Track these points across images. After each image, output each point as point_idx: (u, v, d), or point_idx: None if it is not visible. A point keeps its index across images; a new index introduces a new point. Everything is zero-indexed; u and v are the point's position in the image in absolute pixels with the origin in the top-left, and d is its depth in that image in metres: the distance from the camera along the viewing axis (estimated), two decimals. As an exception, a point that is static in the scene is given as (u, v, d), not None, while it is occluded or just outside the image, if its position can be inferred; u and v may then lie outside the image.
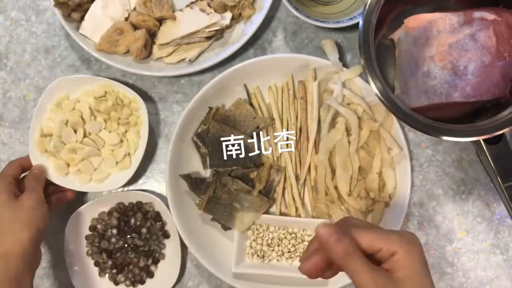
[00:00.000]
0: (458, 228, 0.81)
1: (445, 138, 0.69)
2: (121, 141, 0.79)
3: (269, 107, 0.80)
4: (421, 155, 0.81)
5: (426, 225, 0.81)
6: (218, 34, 0.80)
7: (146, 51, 0.79)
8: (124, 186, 0.80)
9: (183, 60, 0.79)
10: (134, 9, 0.80)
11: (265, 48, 0.83)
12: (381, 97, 0.69)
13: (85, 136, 0.78)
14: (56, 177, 0.77)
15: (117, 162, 0.79)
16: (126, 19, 0.79)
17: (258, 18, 0.78)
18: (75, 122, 0.77)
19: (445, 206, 0.81)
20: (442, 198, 0.81)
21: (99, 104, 0.78)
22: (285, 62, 0.78)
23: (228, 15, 0.79)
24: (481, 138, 0.69)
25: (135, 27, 0.79)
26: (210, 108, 0.78)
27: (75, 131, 0.78)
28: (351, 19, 0.75)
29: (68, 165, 0.78)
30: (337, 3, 0.81)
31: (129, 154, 0.79)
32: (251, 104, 0.80)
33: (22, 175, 0.75)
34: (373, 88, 0.69)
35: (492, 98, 0.69)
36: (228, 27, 0.80)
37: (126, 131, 0.79)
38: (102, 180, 0.79)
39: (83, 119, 0.78)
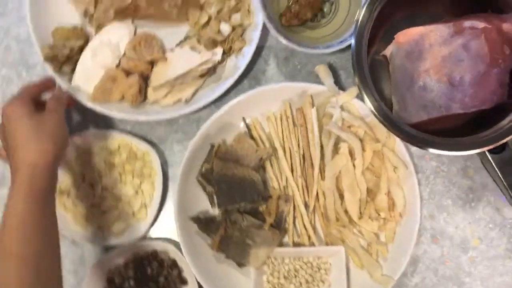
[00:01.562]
0: (471, 237, 0.80)
1: (447, 153, 0.69)
2: (137, 192, 0.80)
3: (270, 137, 0.79)
4: (426, 167, 0.81)
5: (439, 238, 0.80)
6: (211, 71, 0.80)
7: (141, 96, 0.78)
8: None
9: (179, 100, 0.79)
10: (124, 54, 0.79)
11: (258, 77, 0.83)
12: (379, 116, 0.69)
13: (102, 190, 0.79)
14: (76, 232, 0.78)
15: (133, 213, 0.80)
16: (117, 65, 0.79)
17: (249, 51, 0.78)
18: (92, 178, 0.79)
19: (456, 216, 0.81)
20: (452, 209, 0.81)
21: (113, 157, 0.79)
22: (281, 91, 0.78)
23: (219, 51, 0.79)
24: (484, 149, 0.68)
25: (128, 73, 0.78)
26: (212, 146, 0.78)
27: (92, 186, 0.79)
28: (341, 42, 0.75)
29: (87, 219, 0.79)
30: (325, 26, 0.80)
31: (145, 205, 0.80)
32: (252, 137, 0.80)
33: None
34: (368, 107, 0.68)
35: (491, 106, 0.69)
36: (220, 62, 0.80)
37: (141, 183, 0.80)
38: (121, 233, 0.79)
39: (99, 174, 0.79)
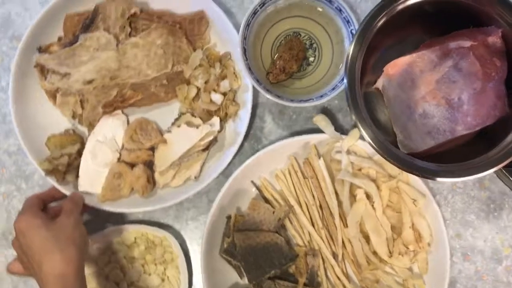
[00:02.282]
0: (501, 246, 0.80)
1: (460, 179, 0.68)
2: (163, 280, 0.78)
3: (283, 194, 0.78)
4: (442, 188, 0.81)
5: (470, 254, 0.80)
6: (213, 142, 0.79)
7: (151, 184, 0.77)
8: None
9: (188, 179, 0.78)
10: (123, 147, 0.78)
11: (258, 136, 0.82)
12: (384, 154, 0.67)
13: (128, 286, 0.78)
14: None
15: None
16: (119, 159, 0.78)
17: (245, 114, 0.77)
18: (115, 276, 0.77)
19: (482, 229, 0.80)
20: (476, 223, 0.80)
21: (132, 251, 0.78)
22: (284, 148, 0.77)
23: (216, 121, 0.78)
24: (494, 169, 0.66)
25: (132, 165, 0.77)
26: (228, 218, 0.77)
27: (117, 284, 0.77)
28: (333, 89, 0.74)
29: None
30: (312, 73, 0.79)
31: None
32: (265, 198, 0.79)
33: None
34: (370, 145, 0.67)
35: (494, 120, 0.69)
36: (220, 130, 0.79)
37: (165, 269, 0.79)
38: None
39: (122, 271, 0.78)
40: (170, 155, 0.77)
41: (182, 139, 0.77)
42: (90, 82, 0.75)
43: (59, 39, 0.78)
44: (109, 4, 0.76)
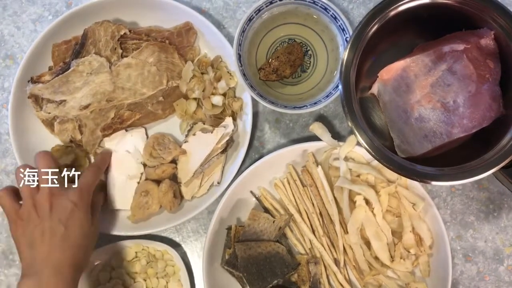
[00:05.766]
0: (502, 246, 0.80)
1: (457, 183, 0.68)
2: None
3: (283, 203, 0.78)
4: (441, 190, 0.81)
5: (471, 255, 0.80)
6: (230, 143, 0.79)
7: (177, 199, 0.77)
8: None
9: (211, 185, 0.79)
10: (145, 165, 0.79)
11: (255, 145, 0.82)
12: (381, 160, 0.67)
13: None
14: None
15: None
16: (141, 177, 0.79)
17: (249, 109, 0.77)
18: None
19: (483, 230, 0.81)
20: (476, 224, 0.81)
21: (133, 266, 0.78)
22: (282, 157, 0.77)
23: (229, 121, 0.77)
24: (492, 171, 0.66)
25: (157, 181, 0.78)
26: (228, 229, 0.77)
27: None
28: (327, 96, 0.74)
29: None
30: (307, 80, 0.79)
31: None
32: (265, 208, 0.79)
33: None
34: (367, 151, 0.67)
35: (490, 122, 0.69)
36: (233, 129, 0.78)
37: (167, 283, 0.79)
38: None
39: (123, 287, 0.77)
40: (192, 165, 0.77)
41: (200, 146, 0.77)
42: (86, 107, 0.75)
43: (50, 68, 0.78)
44: (98, 28, 0.76)
